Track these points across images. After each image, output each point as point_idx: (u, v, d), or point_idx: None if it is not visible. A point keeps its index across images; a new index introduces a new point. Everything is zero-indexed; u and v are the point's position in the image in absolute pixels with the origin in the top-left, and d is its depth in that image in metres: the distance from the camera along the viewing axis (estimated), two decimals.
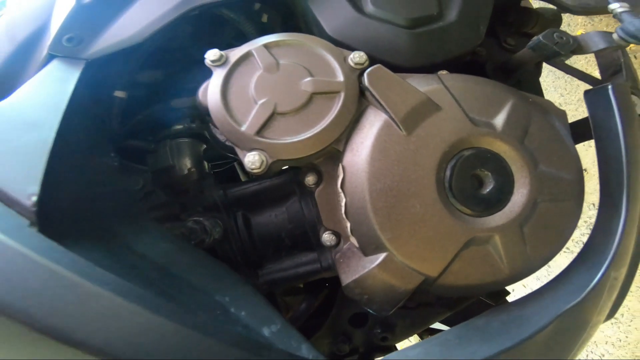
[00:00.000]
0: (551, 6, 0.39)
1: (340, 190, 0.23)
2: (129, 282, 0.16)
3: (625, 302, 0.75)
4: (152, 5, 0.29)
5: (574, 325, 0.26)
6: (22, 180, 0.17)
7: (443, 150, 0.23)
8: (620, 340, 0.79)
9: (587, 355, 0.93)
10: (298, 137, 0.23)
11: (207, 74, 0.44)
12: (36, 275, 0.14)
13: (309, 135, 0.23)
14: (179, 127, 0.40)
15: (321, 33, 0.30)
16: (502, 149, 0.24)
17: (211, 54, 0.25)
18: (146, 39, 0.28)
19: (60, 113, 0.22)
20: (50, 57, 0.29)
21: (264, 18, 0.38)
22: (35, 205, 0.16)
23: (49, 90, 0.24)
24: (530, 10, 0.41)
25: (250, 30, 0.36)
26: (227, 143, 0.35)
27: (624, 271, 0.30)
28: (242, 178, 0.60)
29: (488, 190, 0.24)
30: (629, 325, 0.75)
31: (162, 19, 0.28)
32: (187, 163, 0.38)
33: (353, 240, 0.24)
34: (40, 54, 0.30)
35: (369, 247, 0.23)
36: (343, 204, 0.23)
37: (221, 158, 0.57)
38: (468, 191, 0.23)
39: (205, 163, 0.38)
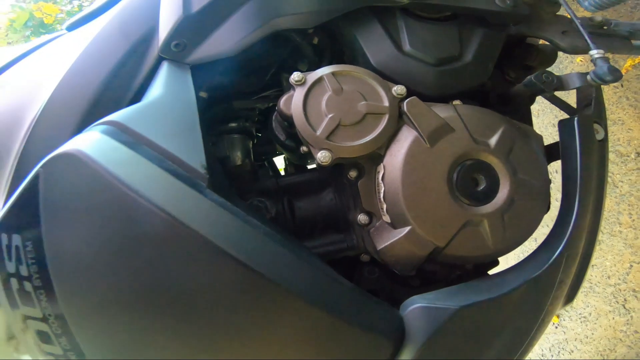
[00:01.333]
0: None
1: (380, 181, 0.35)
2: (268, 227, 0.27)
3: (592, 302, 0.89)
4: (243, 25, 0.39)
5: (540, 290, 0.38)
6: (194, 155, 0.28)
7: (453, 159, 0.35)
8: (587, 337, 0.92)
9: (559, 353, 1.07)
10: (355, 142, 0.34)
11: (262, 80, 0.55)
12: (226, 222, 0.25)
13: (362, 142, 0.34)
14: (234, 124, 0.51)
15: (366, 63, 0.41)
16: (493, 161, 0.36)
17: (295, 75, 0.36)
18: (237, 53, 0.39)
19: (195, 106, 0.32)
20: (160, 59, 0.39)
21: (315, 40, 0.49)
22: (207, 172, 0.27)
23: (177, 89, 0.34)
24: (532, 46, 0.53)
25: (306, 50, 0.48)
26: (286, 142, 0.46)
27: (576, 258, 0.42)
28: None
29: (481, 188, 0.35)
30: (595, 323, 0.89)
31: (252, 38, 0.39)
32: (239, 155, 0.49)
33: (386, 217, 0.35)
34: (151, 54, 0.40)
35: (398, 222, 0.34)
36: (382, 191, 0.35)
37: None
38: (468, 188, 0.35)
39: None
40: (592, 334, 0.89)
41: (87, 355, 0.24)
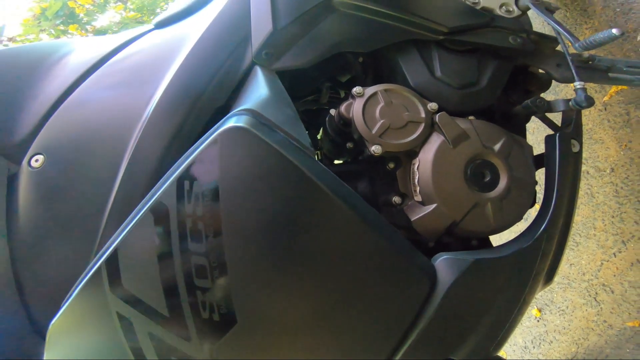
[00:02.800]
0: None
1: (416, 170, 0.50)
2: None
3: (570, 296, 1.06)
4: (317, 44, 0.53)
5: (529, 256, 0.52)
6: (304, 138, 0.41)
7: (468, 158, 0.50)
8: (564, 328, 1.09)
9: (540, 344, 1.23)
10: (399, 141, 0.49)
11: (311, 88, 0.70)
12: (337, 182, 0.40)
13: (404, 141, 0.49)
14: None
15: (405, 83, 0.56)
16: (496, 161, 0.51)
17: (357, 89, 0.51)
18: (309, 66, 0.53)
19: (291, 102, 0.46)
20: (253, 63, 0.52)
21: (360, 59, 0.64)
22: (311, 144, 0.41)
23: (277, 89, 0.48)
24: (533, 74, 0.69)
25: (355, 67, 0.62)
26: (335, 138, 0.60)
27: (554, 239, 0.58)
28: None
29: (487, 180, 0.50)
30: (571, 315, 1.05)
31: (322, 55, 0.53)
32: None
33: (418, 197, 0.50)
34: (246, 59, 0.52)
35: (427, 201, 0.49)
36: (417, 177, 0.50)
37: None
38: (477, 179, 0.50)
39: None
40: (569, 324, 1.06)
41: (233, 290, 0.38)
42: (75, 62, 0.56)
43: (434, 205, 0.49)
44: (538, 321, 1.19)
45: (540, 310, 1.19)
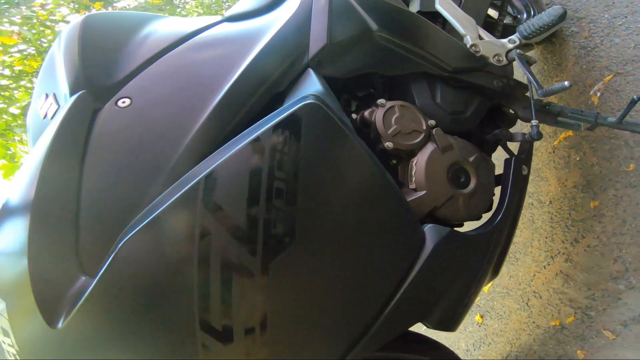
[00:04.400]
0: None
1: (414, 165, 0.71)
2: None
3: (507, 303, 1.33)
4: (355, 62, 0.74)
5: (484, 242, 0.73)
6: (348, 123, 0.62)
7: (450, 163, 0.72)
8: (501, 331, 1.33)
9: (480, 346, 1.47)
10: (405, 142, 0.70)
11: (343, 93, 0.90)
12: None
13: (409, 143, 0.70)
14: None
15: (412, 101, 0.78)
16: (470, 169, 0.74)
17: (382, 100, 0.71)
18: (346, 77, 0.73)
19: (334, 97, 0.65)
20: (305, 67, 0.70)
21: (381, 79, 0.86)
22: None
23: (326, 88, 0.65)
24: (504, 112, 0.94)
25: (377, 84, 0.84)
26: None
27: (502, 237, 0.81)
28: None
29: (461, 180, 0.73)
30: (508, 319, 1.30)
31: (358, 70, 0.74)
32: None
33: (412, 185, 0.71)
34: (301, 62, 0.69)
35: (419, 188, 0.70)
36: (414, 171, 0.71)
37: None
38: (455, 179, 0.72)
39: None
40: (505, 327, 1.30)
41: (297, 217, 0.54)
42: (165, 34, 0.73)
43: (423, 192, 0.70)
44: (479, 326, 1.43)
45: (482, 317, 1.43)
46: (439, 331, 0.78)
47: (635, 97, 0.73)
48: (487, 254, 0.76)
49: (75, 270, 0.56)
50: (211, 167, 0.53)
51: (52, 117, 0.67)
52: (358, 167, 0.60)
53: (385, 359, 0.84)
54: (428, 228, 0.65)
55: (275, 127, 0.55)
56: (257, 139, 0.54)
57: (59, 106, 0.66)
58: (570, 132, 1.22)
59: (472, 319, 1.47)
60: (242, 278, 0.53)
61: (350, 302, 0.61)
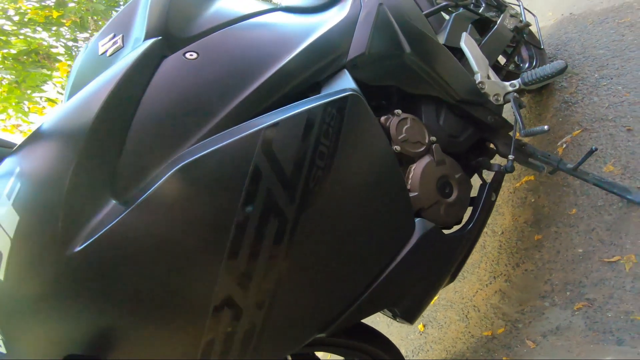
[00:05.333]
0: None
1: (412, 170, 0.86)
2: None
3: (449, 314, 1.54)
4: (383, 73, 0.89)
5: (454, 245, 0.92)
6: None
7: (440, 175, 0.89)
8: (440, 339, 1.51)
9: (418, 353, 1.66)
10: (409, 149, 0.86)
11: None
12: None
13: (412, 150, 0.86)
14: None
15: (420, 118, 0.95)
16: (454, 184, 0.92)
17: (398, 111, 0.87)
18: (372, 84, 0.88)
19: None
20: (342, 67, 0.83)
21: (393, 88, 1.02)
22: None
23: (356, 87, 0.79)
24: (486, 146, 1.16)
25: (393, 96, 1.00)
26: None
27: (465, 248, 0.99)
28: None
29: (446, 191, 0.90)
30: (447, 329, 1.49)
31: (383, 81, 0.89)
32: None
33: (408, 186, 0.87)
34: (339, 63, 0.83)
35: (412, 190, 0.85)
36: (411, 175, 0.86)
37: None
38: (441, 189, 0.89)
39: None
40: (444, 336, 1.49)
41: (328, 178, 0.66)
42: (236, 7, 0.86)
43: (415, 193, 0.86)
44: (421, 334, 1.61)
45: (424, 326, 1.62)
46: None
47: (593, 147, 0.95)
48: (455, 255, 0.94)
49: (107, 194, 0.60)
50: (273, 121, 0.65)
51: (110, 55, 0.74)
52: (380, 152, 0.76)
53: (344, 346, 0.98)
54: (419, 220, 0.81)
55: (327, 105, 0.69)
56: (312, 110, 0.68)
57: (123, 47, 0.74)
58: (531, 177, 1.48)
59: (415, 327, 1.64)
60: (278, 221, 0.64)
61: (347, 270, 0.75)
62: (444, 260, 0.89)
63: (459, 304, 1.47)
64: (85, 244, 0.56)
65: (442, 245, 0.87)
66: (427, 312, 1.63)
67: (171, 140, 0.65)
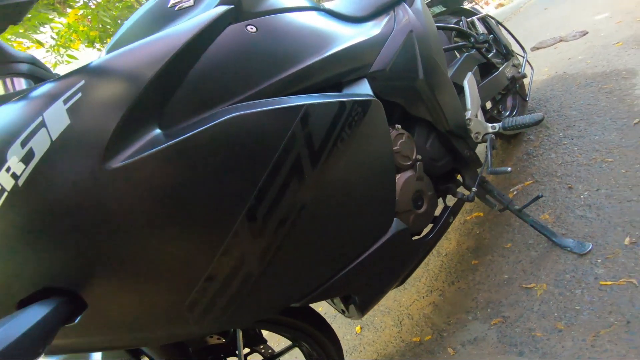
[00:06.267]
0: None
1: (396, 179, 1.05)
2: None
3: (385, 319, 1.75)
4: (393, 91, 1.07)
5: (414, 249, 1.11)
6: None
7: (417, 189, 1.08)
8: (373, 341, 1.64)
9: (352, 352, 1.79)
10: (399, 161, 1.04)
11: None
12: None
13: (401, 162, 1.05)
14: None
15: (412, 135, 1.14)
16: (426, 199, 1.11)
17: (398, 126, 1.05)
18: (381, 98, 1.06)
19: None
20: (363, 75, 1.00)
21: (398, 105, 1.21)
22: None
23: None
24: (454, 176, 1.37)
25: (395, 113, 1.18)
26: None
27: (420, 255, 1.19)
28: None
29: (418, 203, 1.09)
30: (382, 333, 1.65)
31: (391, 98, 1.07)
32: None
33: None
34: (363, 72, 1.00)
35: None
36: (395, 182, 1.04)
37: None
38: (414, 200, 1.08)
39: None
40: (378, 339, 1.63)
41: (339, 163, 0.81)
42: None
43: (395, 198, 1.03)
44: (357, 336, 1.73)
45: (361, 328, 1.79)
46: None
47: (540, 194, 1.20)
48: (414, 258, 1.12)
49: (154, 124, 0.65)
50: (314, 101, 0.79)
51: (178, 10, 0.84)
52: (385, 154, 0.93)
53: (292, 326, 1.09)
54: (395, 219, 0.98)
55: (355, 102, 0.86)
56: (344, 102, 0.84)
57: (194, 5, 0.84)
58: (481, 214, 1.75)
59: (352, 329, 1.80)
60: (299, 183, 0.75)
61: (334, 247, 0.88)
62: (405, 260, 1.07)
63: (395, 311, 1.67)
64: (124, 162, 0.60)
65: (408, 246, 1.05)
66: (366, 316, 1.81)
67: (218, 94, 0.73)
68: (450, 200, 1.31)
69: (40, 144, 0.56)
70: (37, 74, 0.76)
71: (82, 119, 0.60)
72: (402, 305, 1.67)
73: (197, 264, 0.69)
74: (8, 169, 0.54)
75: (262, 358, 1.22)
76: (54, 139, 0.57)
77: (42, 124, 0.57)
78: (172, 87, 0.68)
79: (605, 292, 1.12)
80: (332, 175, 0.82)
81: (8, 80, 0.73)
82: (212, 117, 0.68)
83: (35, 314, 0.53)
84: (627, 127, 1.72)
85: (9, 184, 0.54)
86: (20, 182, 0.55)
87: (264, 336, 1.20)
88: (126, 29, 0.87)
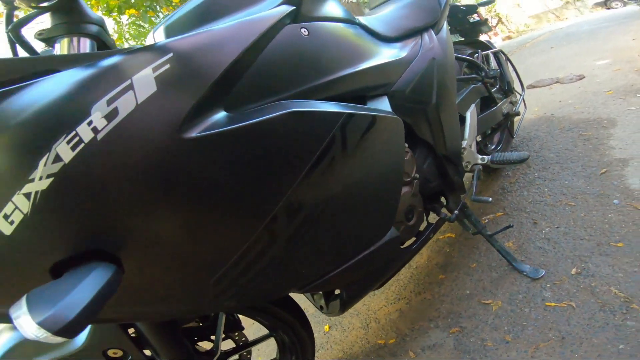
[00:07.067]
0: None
1: None
2: None
3: (354, 321, 1.90)
4: (407, 111, 1.23)
5: (402, 256, 1.27)
6: None
7: (410, 204, 1.23)
8: (341, 340, 1.64)
9: (319, 350, 1.85)
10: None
11: None
12: None
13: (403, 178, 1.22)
14: None
15: (414, 155, 1.31)
16: (416, 213, 1.25)
17: (405, 144, 1.22)
18: None
19: None
20: (384, 93, 1.13)
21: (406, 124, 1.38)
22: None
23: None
24: (439, 198, 1.51)
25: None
26: None
27: (401, 265, 1.35)
28: None
29: (409, 216, 1.24)
30: (349, 333, 1.75)
31: (403, 116, 1.22)
32: None
33: None
34: (387, 89, 1.14)
35: None
36: None
37: None
38: (406, 213, 1.22)
39: None
40: (345, 339, 1.70)
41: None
42: (337, 7, 1.05)
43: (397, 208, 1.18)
44: (325, 334, 1.78)
45: (330, 327, 1.90)
46: None
47: (511, 224, 1.38)
48: (397, 265, 1.25)
49: (221, 104, 0.70)
50: (352, 111, 0.88)
51: None
52: (398, 167, 1.06)
53: (272, 313, 1.13)
54: (392, 227, 1.11)
55: (385, 117, 0.99)
56: (377, 116, 0.95)
57: None
58: (453, 235, 1.93)
59: (321, 327, 1.92)
60: (329, 179, 0.84)
61: (344, 241, 0.96)
62: (391, 265, 1.19)
63: (364, 314, 1.80)
64: (198, 134, 0.64)
65: (396, 253, 1.18)
66: (334, 317, 1.93)
67: (272, 87, 0.80)
68: (432, 218, 1.48)
69: (126, 105, 0.59)
70: (103, 37, 0.76)
71: (167, 88, 0.63)
72: (370, 309, 1.81)
73: (234, 243, 0.74)
74: (90, 123, 0.56)
75: (234, 345, 1.23)
76: (139, 102, 0.60)
77: (130, 87, 0.60)
78: (239, 74, 0.73)
79: (549, 312, 1.30)
80: (353, 179, 0.91)
81: (75, 39, 0.72)
82: (271, 109, 0.75)
83: (99, 278, 0.54)
84: (594, 175, 1.95)
85: (87, 136, 0.56)
86: (99, 136, 0.57)
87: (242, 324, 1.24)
88: (194, 5, 0.86)
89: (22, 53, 0.79)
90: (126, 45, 4.72)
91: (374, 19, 1.25)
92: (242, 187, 0.71)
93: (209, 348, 1.13)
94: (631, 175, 1.83)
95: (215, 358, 1.09)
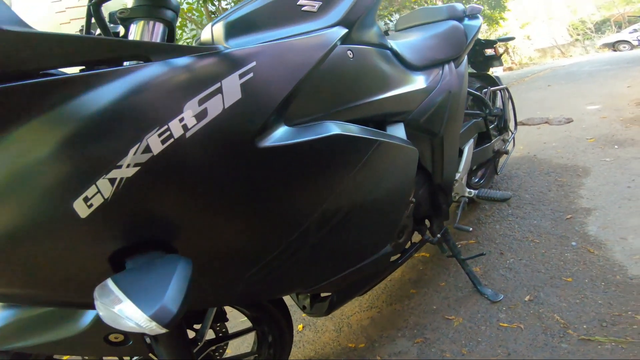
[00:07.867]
0: None
1: None
2: None
3: (327, 323, 2.08)
4: (416, 138, 1.42)
5: (391, 269, 1.46)
6: None
7: (404, 224, 1.45)
8: (313, 341, 1.68)
9: (292, 349, 2.08)
10: None
11: None
12: None
13: None
14: None
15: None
16: (406, 232, 1.44)
17: None
18: None
19: None
20: (402, 120, 1.30)
21: None
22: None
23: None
24: (424, 222, 1.73)
25: None
26: None
27: (386, 275, 1.54)
28: None
29: (400, 235, 1.42)
30: (322, 335, 1.88)
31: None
32: None
33: None
34: (405, 116, 1.30)
35: None
36: None
37: None
38: (399, 233, 1.41)
39: None
40: (317, 339, 1.71)
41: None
42: (378, 32, 1.11)
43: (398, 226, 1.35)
44: (298, 333, 1.85)
45: (303, 327, 2.00)
46: None
47: (484, 252, 1.56)
48: (382, 277, 1.41)
49: (283, 118, 0.75)
50: (385, 139, 0.98)
51: (302, 10, 0.86)
52: (407, 191, 1.20)
53: (263, 308, 1.19)
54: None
55: (405, 148, 1.12)
56: (399, 146, 1.06)
57: (317, 12, 0.88)
58: (427, 254, 2.13)
59: (295, 326, 2.08)
60: (355, 196, 0.95)
61: (355, 248, 1.08)
62: (379, 275, 1.34)
63: (338, 318, 1.93)
64: (270, 144, 0.69)
65: (386, 265, 1.34)
66: (309, 318, 2.08)
67: (318, 105, 0.86)
68: (415, 237, 1.65)
69: (214, 107, 0.62)
70: (174, 24, 0.75)
71: (249, 97, 0.66)
72: (344, 314, 1.98)
73: (275, 243, 0.81)
74: (182, 119, 0.58)
75: (214, 336, 1.25)
76: (226, 107, 0.63)
77: (219, 90, 0.62)
78: (301, 89, 0.78)
79: (501, 331, 1.51)
80: (372, 195, 1.02)
81: (151, 23, 0.70)
82: (317, 128, 0.82)
83: (184, 270, 0.55)
84: (560, 219, 2.20)
85: (177, 132, 0.58)
86: (188, 134, 0.59)
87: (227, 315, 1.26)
88: (256, 7, 0.82)
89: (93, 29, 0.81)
90: (186, 30, 4.66)
91: (402, 45, 1.29)
92: (292, 194, 0.79)
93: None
94: (592, 223, 2.08)
95: (198, 347, 1.13)
